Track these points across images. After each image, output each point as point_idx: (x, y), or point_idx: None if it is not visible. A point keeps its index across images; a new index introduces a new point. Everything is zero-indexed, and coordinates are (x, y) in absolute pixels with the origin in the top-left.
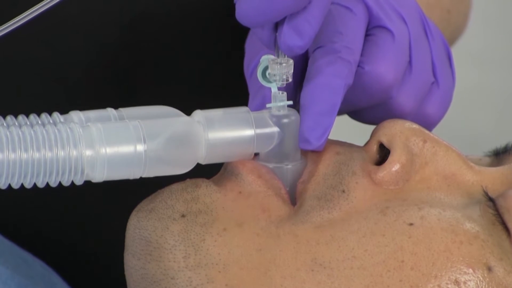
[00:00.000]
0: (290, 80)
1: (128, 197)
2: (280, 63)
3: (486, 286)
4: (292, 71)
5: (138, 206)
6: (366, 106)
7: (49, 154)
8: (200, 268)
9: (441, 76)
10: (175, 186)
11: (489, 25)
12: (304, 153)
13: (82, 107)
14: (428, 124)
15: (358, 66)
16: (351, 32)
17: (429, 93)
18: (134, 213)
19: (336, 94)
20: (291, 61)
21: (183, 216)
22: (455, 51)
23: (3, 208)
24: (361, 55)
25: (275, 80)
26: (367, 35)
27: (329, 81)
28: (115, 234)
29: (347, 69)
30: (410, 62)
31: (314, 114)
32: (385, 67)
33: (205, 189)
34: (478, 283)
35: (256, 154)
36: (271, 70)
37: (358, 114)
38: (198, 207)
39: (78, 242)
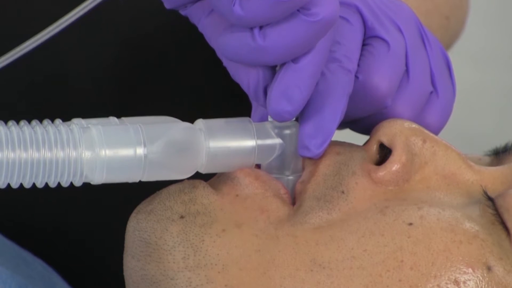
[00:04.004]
0: None
1: (128, 197)
2: None
3: (486, 285)
4: None
5: (137, 208)
6: (361, 116)
7: (48, 155)
8: (199, 269)
9: (440, 85)
10: (172, 187)
11: (489, 25)
12: (305, 163)
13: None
14: None
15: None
16: (349, 42)
17: (428, 103)
18: (133, 214)
19: (339, 102)
20: None
21: (181, 217)
22: (455, 51)
23: (3, 208)
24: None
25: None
26: (363, 45)
27: (333, 88)
28: (115, 235)
29: (348, 78)
30: (407, 71)
31: (316, 121)
32: (379, 77)
33: (202, 190)
34: (478, 282)
35: (258, 165)
36: None
37: (354, 124)
38: (196, 208)
39: (78, 243)
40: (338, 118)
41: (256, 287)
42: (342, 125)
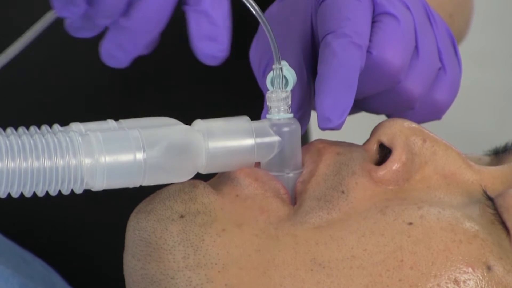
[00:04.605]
0: (290, 111)
1: (128, 197)
2: (277, 95)
3: (486, 285)
4: (291, 102)
5: (137, 207)
6: (374, 93)
7: (48, 163)
8: (199, 268)
9: (447, 62)
10: (173, 187)
11: (489, 25)
12: (305, 161)
13: (82, 120)
14: (438, 110)
15: (366, 51)
16: (358, 18)
17: (437, 79)
18: (133, 214)
19: (353, 72)
20: (289, 93)
21: (181, 216)
22: None
23: (3, 208)
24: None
25: (272, 113)
26: (373, 21)
27: (345, 62)
28: (115, 235)
29: (359, 52)
30: (416, 47)
31: (333, 92)
32: (392, 52)
33: (202, 189)
34: (478, 282)
35: (257, 164)
36: (269, 102)
37: (366, 102)
38: (196, 207)
39: (78, 242)
40: (354, 90)
41: (256, 287)
42: (354, 106)
